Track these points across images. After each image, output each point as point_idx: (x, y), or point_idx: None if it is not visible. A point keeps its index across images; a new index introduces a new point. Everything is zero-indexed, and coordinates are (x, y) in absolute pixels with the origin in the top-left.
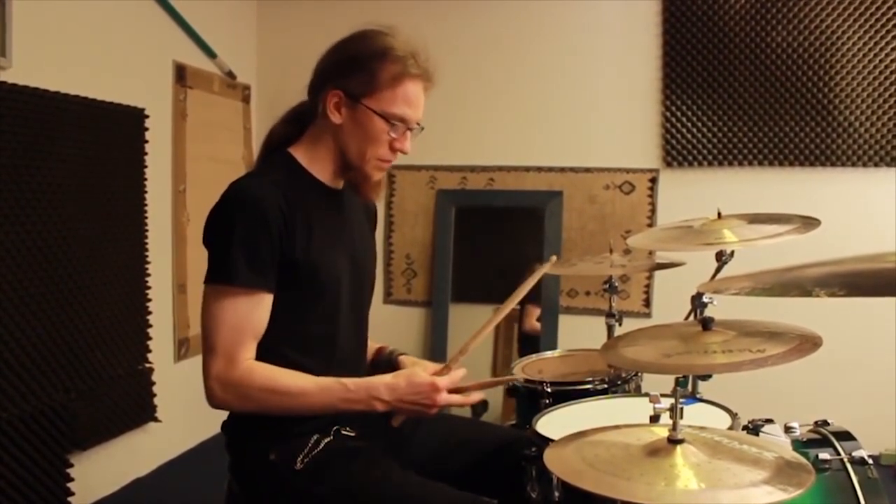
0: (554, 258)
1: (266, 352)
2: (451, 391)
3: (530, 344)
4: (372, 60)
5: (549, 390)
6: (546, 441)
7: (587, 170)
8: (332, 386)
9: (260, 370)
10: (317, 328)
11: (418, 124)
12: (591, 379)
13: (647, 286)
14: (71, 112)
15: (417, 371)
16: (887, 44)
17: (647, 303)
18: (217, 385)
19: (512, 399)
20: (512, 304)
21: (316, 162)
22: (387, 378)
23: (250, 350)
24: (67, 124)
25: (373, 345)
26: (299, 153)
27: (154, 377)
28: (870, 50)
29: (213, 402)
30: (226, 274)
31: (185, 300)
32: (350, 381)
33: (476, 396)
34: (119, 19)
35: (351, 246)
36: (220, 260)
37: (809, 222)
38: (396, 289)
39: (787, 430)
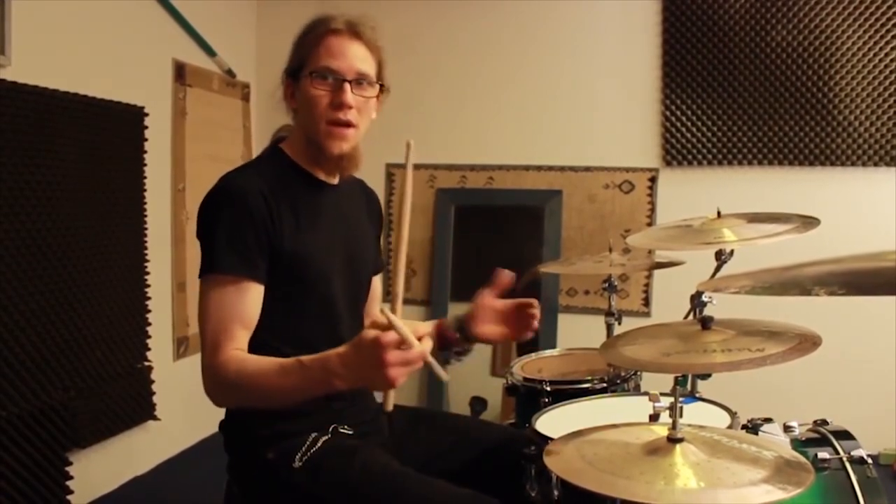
0: (411, 142)
1: (265, 349)
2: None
3: (530, 343)
4: (302, 36)
5: (548, 389)
6: (545, 440)
7: (587, 169)
8: (292, 367)
9: (236, 359)
10: (314, 324)
11: (367, 81)
12: (590, 378)
13: (647, 285)
14: (70, 110)
15: (364, 331)
16: (887, 43)
17: (647, 302)
18: (204, 376)
19: (511, 398)
20: (406, 215)
21: (301, 155)
22: (341, 348)
23: (238, 340)
24: (67, 122)
25: (414, 322)
26: (289, 148)
27: (153, 375)
28: (869, 49)
29: (208, 394)
30: (211, 263)
31: (184, 299)
32: (306, 359)
33: (427, 344)
34: (118, 17)
35: (345, 241)
36: (207, 251)
37: (809, 221)
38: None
39: (786, 429)
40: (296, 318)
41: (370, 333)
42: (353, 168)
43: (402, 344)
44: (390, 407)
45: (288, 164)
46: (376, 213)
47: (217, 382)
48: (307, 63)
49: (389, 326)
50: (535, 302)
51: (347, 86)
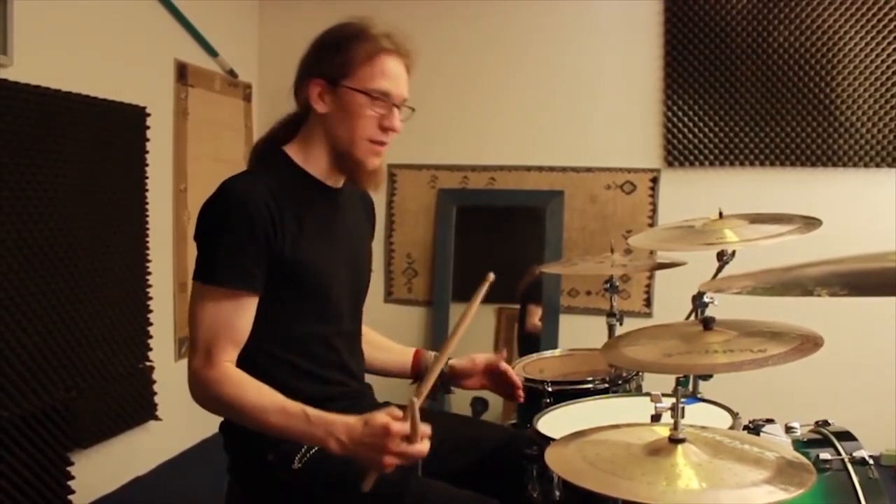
0: (491, 275)
1: (264, 354)
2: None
3: (531, 344)
4: (347, 42)
5: (549, 389)
6: (547, 440)
7: (588, 169)
8: (295, 412)
9: (233, 377)
10: (313, 329)
11: (406, 104)
12: (591, 378)
13: (648, 286)
14: (72, 110)
15: (377, 413)
16: (889, 44)
17: (648, 302)
18: (193, 380)
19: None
20: (458, 334)
21: (311, 159)
22: (350, 418)
23: (228, 353)
24: (69, 122)
25: (400, 347)
26: (294, 151)
27: (155, 375)
28: (871, 50)
29: (193, 396)
30: (209, 273)
31: (185, 299)
32: (313, 413)
33: (426, 445)
34: (121, 17)
35: (346, 246)
36: (205, 258)
37: (811, 222)
38: (397, 288)
39: (788, 429)
40: (296, 324)
41: (383, 419)
42: (380, 182)
43: (407, 437)
44: (368, 488)
45: (294, 171)
46: (372, 216)
47: (208, 396)
48: (356, 77)
49: (406, 417)
50: (520, 386)
51: (397, 112)
